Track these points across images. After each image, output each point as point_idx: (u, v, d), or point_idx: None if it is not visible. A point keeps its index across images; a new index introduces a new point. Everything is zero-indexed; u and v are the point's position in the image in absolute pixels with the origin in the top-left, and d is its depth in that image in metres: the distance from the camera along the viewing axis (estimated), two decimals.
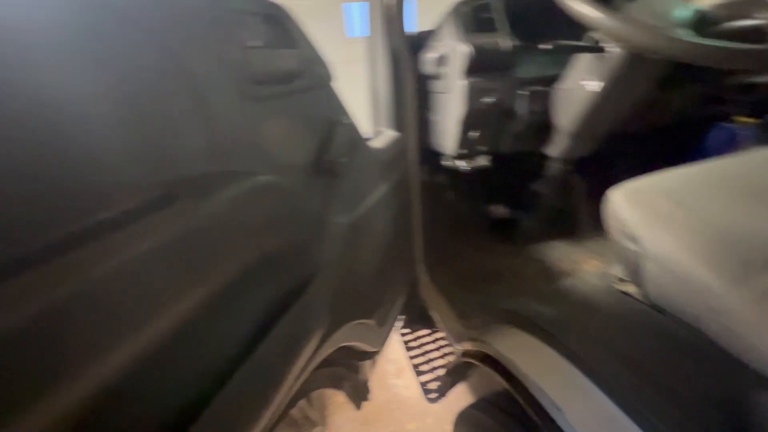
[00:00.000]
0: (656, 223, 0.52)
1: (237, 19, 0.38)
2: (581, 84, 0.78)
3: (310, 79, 0.50)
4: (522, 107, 0.87)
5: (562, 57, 0.81)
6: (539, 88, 0.87)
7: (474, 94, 0.83)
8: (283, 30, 0.45)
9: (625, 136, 1.05)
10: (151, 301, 0.26)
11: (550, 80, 0.86)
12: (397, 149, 0.90)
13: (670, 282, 0.50)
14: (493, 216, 1.26)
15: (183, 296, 0.28)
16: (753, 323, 0.41)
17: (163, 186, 0.29)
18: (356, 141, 0.65)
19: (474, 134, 0.90)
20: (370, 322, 0.80)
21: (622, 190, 0.60)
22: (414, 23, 3.50)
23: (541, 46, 0.71)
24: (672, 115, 1.04)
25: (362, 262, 0.75)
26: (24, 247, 0.21)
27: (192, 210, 0.29)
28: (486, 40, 0.81)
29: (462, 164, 0.95)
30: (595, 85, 0.75)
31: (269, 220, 0.41)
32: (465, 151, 0.93)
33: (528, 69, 0.86)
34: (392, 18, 0.82)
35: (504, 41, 0.81)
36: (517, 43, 0.82)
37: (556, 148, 0.94)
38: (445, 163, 1.01)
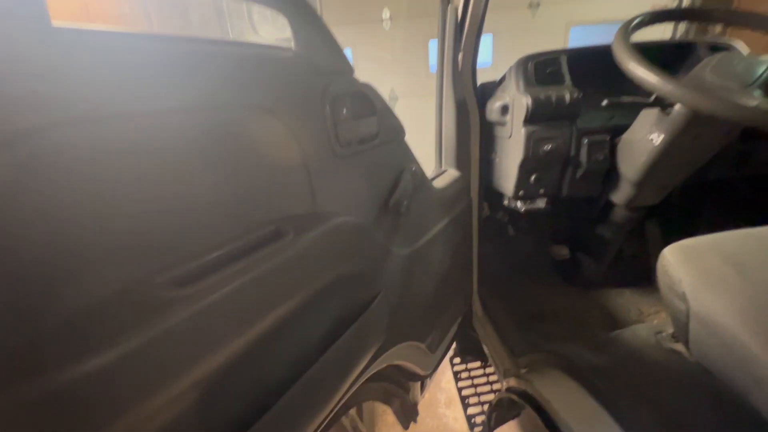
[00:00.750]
0: (706, 284, 0.53)
1: (336, 98, 0.51)
2: (646, 137, 0.80)
3: (385, 137, 0.62)
4: (583, 155, 0.90)
5: (625, 109, 0.83)
6: (601, 137, 0.89)
7: (534, 141, 0.89)
8: (369, 102, 0.58)
9: (709, 185, 1.01)
10: (252, 314, 0.37)
11: (613, 130, 0.89)
12: (459, 187, 0.99)
13: (716, 344, 0.50)
14: (553, 256, 1.26)
15: (274, 310, 0.39)
16: None
17: (275, 222, 0.42)
18: (421, 183, 0.75)
19: (533, 178, 0.95)
20: (422, 345, 0.87)
21: (677, 246, 0.61)
22: (489, 59, 3.59)
23: (603, 103, 0.75)
24: (762, 165, 0.98)
25: (419, 289, 0.84)
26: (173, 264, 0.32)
27: (292, 244, 0.41)
28: (547, 92, 0.87)
29: (521, 205, 1.00)
30: (659, 138, 0.77)
31: (344, 251, 0.53)
32: (524, 193, 0.98)
33: (591, 119, 0.89)
34: (462, 72, 0.92)
35: (564, 94, 0.86)
36: (579, 95, 0.86)
37: (620, 196, 0.94)
38: (505, 202, 1.06)
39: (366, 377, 0.64)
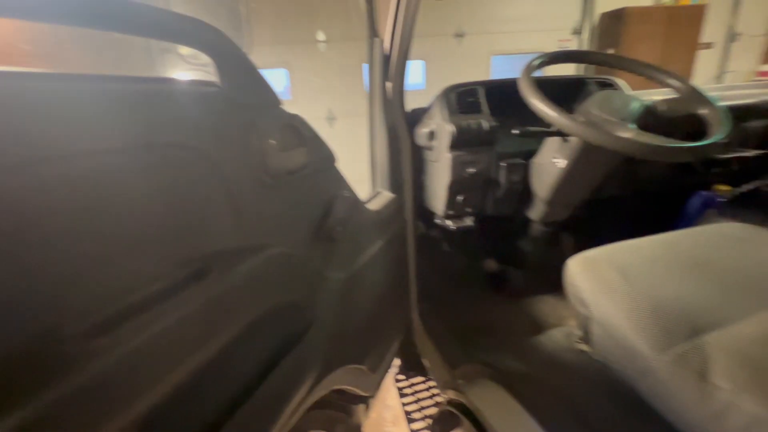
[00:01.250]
0: (602, 291, 0.62)
1: (263, 131, 0.51)
2: (551, 160, 0.91)
3: (316, 165, 0.63)
4: (502, 177, 0.99)
5: (534, 136, 0.94)
6: (517, 161, 0.99)
7: (459, 165, 0.96)
8: (297, 133, 0.59)
9: (608, 201, 1.16)
10: (174, 359, 0.36)
11: (526, 155, 0.99)
12: (394, 208, 1.03)
13: (612, 344, 0.58)
14: (485, 270, 1.35)
15: (203, 348, 0.38)
16: (669, 385, 0.49)
17: (201, 260, 0.41)
18: (354, 208, 0.77)
19: (460, 198, 1.02)
20: (363, 367, 0.88)
21: (578, 258, 0.70)
22: (423, 83, 3.80)
23: (513, 131, 0.84)
24: (650, 184, 1.16)
25: (358, 311, 0.85)
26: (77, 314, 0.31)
27: (217, 282, 0.40)
28: (468, 120, 0.95)
29: (450, 224, 1.06)
30: (562, 162, 0.88)
31: (274, 283, 0.52)
32: (452, 212, 1.05)
33: (507, 145, 0.99)
34: (392, 100, 0.98)
35: (484, 122, 0.95)
36: (495, 124, 0.96)
37: (535, 213, 1.05)
38: (437, 221, 1.12)
39: (306, 407, 0.63)
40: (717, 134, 0.70)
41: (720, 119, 0.72)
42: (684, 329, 0.52)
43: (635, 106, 0.80)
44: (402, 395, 1.36)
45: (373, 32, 0.95)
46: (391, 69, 0.95)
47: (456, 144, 0.95)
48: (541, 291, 1.30)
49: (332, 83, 3.42)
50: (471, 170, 0.97)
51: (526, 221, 1.12)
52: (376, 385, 1.01)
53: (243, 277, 0.44)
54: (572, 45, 3.94)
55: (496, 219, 1.12)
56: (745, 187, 0.99)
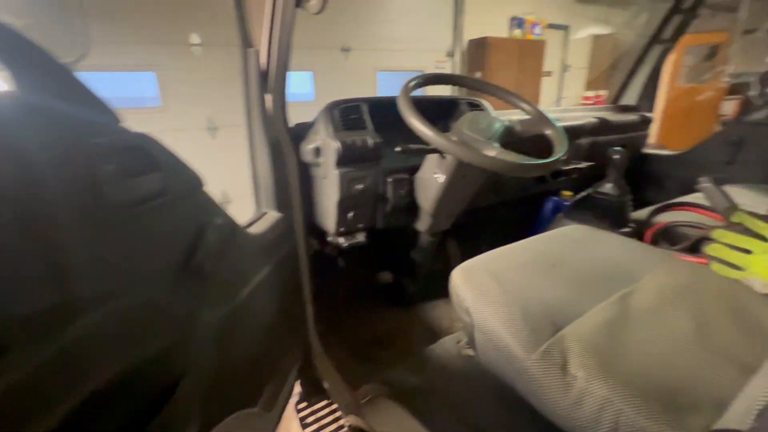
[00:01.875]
0: (481, 299, 0.66)
1: (94, 155, 0.41)
2: (432, 175, 0.96)
3: (176, 192, 0.54)
4: (389, 192, 1.02)
5: (416, 153, 0.98)
6: (402, 176, 1.03)
7: (346, 181, 0.95)
8: (148, 156, 0.49)
9: (483, 209, 1.29)
10: None
11: (411, 170, 1.04)
12: (282, 229, 0.96)
13: (492, 348, 0.63)
14: (380, 282, 1.36)
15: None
16: (539, 382, 0.54)
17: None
18: (231, 236, 0.68)
19: (350, 215, 1.01)
20: (255, 408, 0.79)
21: (460, 268, 0.74)
22: (312, 94, 3.75)
23: (396, 149, 0.86)
24: (514, 192, 1.32)
25: (243, 349, 0.76)
26: None
27: (24, 360, 0.30)
28: (353, 137, 0.95)
29: (342, 241, 1.04)
30: (441, 177, 0.93)
31: (122, 339, 0.42)
32: (344, 229, 1.03)
33: (393, 160, 1.02)
34: (273, 114, 0.91)
35: (369, 139, 0.96)
36: (380, 140, 0.97)
37: (422, 224, 1.10)
38: (329, 239, 1.09)
39: None
40: (558, 152, 0.82)
41: (560, 139, 0.86)
42: (547, 327, 0.59)
43: (498, 127, 0.90)
44: (304, 426, 1.27)
45: (246, 42, 0.88)
46: (270, 81, 0.89)
47: (342, 160, 0.94)
48: (433, 297, 1.37)
49: (213, 90, 3.13)
50: (359, 186, 0.97)
51: (416, 232, 1.17)
52: (274, 425, 0.92)
53: (67, 346, 0.34)
54: (447, 66, 4.37)
55: (388, 232, 1.14)
56: (581, 194, 1.21)
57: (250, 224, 0.89)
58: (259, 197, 0.98)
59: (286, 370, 1.02)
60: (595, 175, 1.34)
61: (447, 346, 0.96)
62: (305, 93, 3.72)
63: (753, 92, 1.90)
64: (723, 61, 4.57)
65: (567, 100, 5.62)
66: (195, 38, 3.00)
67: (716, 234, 0.73)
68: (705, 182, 0.79)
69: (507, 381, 0.60)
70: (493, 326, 0.62)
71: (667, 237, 0.94)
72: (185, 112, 3.09)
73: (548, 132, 0.92)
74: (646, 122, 1.81)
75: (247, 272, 0.78)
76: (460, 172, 0.91)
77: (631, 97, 1.97)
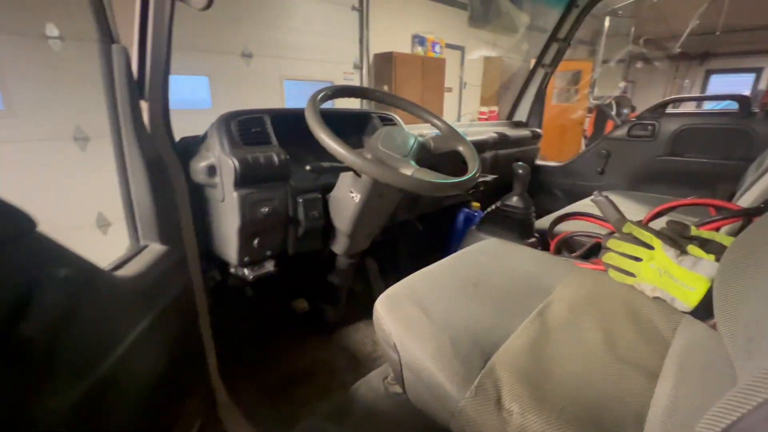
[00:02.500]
0: (407, 333, 0.60)
1: None
2: (348, 194, 0.89)
3: None
4: (301, 214, 0.91)
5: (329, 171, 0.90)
6: (314, 195, 0.93)
7: (249, 204, 0.82)
8: None
9: (401, 225, 1.25)
10: None
11: (323, 189, 0.95)
12: (170, 263, 0.79)
13: (422, 386, 0.57)
14: (296, 312, 1.24)
15: None
16: (475, 423, 0.50)
17: None
18: (85, 287, 0.52)
19: (256, 242, 0.88)
20: None
21: (383, 298, 0.68)
22: (209, 101, 3.41)
23: (307, 168, 0.77)
24: (429, 206, 1.32)
25: (121, 424, 0.59)
26: None
27: None
28: (255, 153, 0.83)
29: (248, 272, 0.91)
30: (357, 196, 0.87)
31: None
32: (249, 259, 0.89)
33: (302, 178, 0.92)
34: (153, 125, 0.75)
35: (274, 155, 0.85)
36: (287, 157, 0.87)
37: (339, 246, 1.02)
38: (231, 270, 0.94)
39: None
40: (472, 169, 0.82)
41: (472, 156, 0.86)
42: (477, 358, 0.56)
43: (412, 143, 0.86)
44: None
45: (109, 36, 0.71)
46: (146, 85, 0.73)
47: (243, 181, 0.81)
48: (354, 320, 1.29)
49: (79, 93, 2.62)
50: (264, 209, 0.85)
51: (332, 255, 1.08)
52: None
53: None
54: (355, 78, 4.40)
55: (301, 256, 1.03)
56: (491, 208, 1.26)
57: (122, 264, 0.71)
58: (136, 228, 0.79)
59: (184, 430, 0.84)
60: (498, 186, 1.41)
61: (373, 383, 0.89)
62: (201, 99, 3.36)
63: (612, 111, 2.27)
64: (585, 85, 5.47)
65: (466, 116, 6.12)
66: (52, 29, 2.48)
67: (610, 243, 0.80)
68: (598, 196, 0.87)
69: (440, 422, 0.55)
70: (422, 363, 0.56)
71: (568, 246, 1.02)
72: (42, 118, 2.53)
73: (460, 148, 0.92)
74: (536, 137, 2.01)
75: (118, 328, 0.60)
76: (377, 190, 0.86)
77: (520, 114, 2.17)
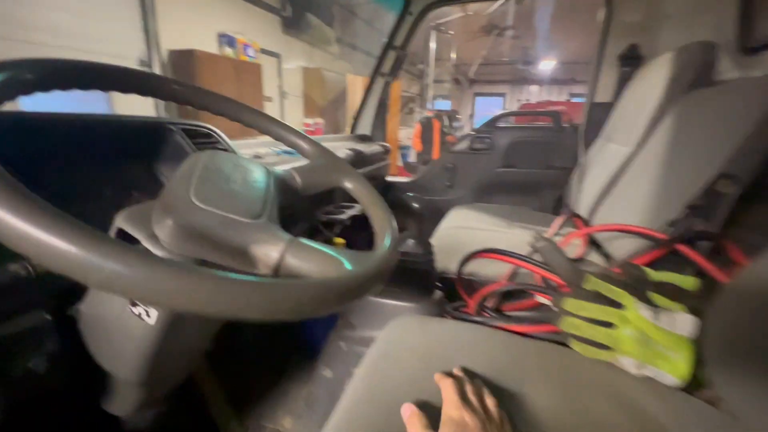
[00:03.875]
0: None
1: None
2: (128, 311, 0.38)
3: None
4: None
5: None
6: (42, 317, 0.39)
7: None
8: None
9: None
10: None
11: (63, 297, 0.41)
12: None
13: None
14: None
15: None
16: None
17: None
18: None
19: None
20: None
21: None
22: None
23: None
24: None
25: None
26: None
27: None
28: None
29: None
30: (152, 315, 0.38)
31: None
32: None
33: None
34: None
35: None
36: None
37: (119, 403, 0.48)
38: None
39: None
40: (384, 234, 0.44)
41: (382, 213, 0.48)
42: None
43: (264, 185, 0.43)
44: None
45: None
46: None
47: None
48: None
49: None
50: None
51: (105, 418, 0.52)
52: None
53: None
54: None
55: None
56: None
57: None
58: None
59: None
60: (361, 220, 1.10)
61: None
62: None
63: (445, 124, 2.33)
64: (396, 100, 5.93)
65: (290, 124, 5.71)
66: None
67: (569, 305, 0.58)
68: (539, 241, 0.65)
69: None
70: None
71: (496, 302, 0.78)
72: None
73: (348, 186, 0.55)
74: (387, 152, 1.82)
75: None
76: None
77: (363, 127, 1.96)
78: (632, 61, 1.45)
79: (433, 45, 6.39)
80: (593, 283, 0.58)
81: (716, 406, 0.51)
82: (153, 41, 3.37)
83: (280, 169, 0.49)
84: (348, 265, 0.33)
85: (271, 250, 0.33)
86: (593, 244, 1.05)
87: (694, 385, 0.53)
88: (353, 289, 0.31)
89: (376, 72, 1.84)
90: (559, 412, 0.47)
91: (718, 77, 1.05)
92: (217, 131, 0.72)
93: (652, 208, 0.82)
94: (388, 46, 1.78)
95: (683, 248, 0.67)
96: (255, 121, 0.54)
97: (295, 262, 0.33)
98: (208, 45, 3.96)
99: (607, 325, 0.56)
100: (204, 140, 0.67)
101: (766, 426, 0.40)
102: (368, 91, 1.88)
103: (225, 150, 0.70)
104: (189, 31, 3.72)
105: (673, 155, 0.87)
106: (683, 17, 1.30)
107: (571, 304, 0.58)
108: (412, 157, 4.92)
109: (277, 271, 0.34)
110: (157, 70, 3.42)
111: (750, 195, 0.69)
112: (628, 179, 1.06)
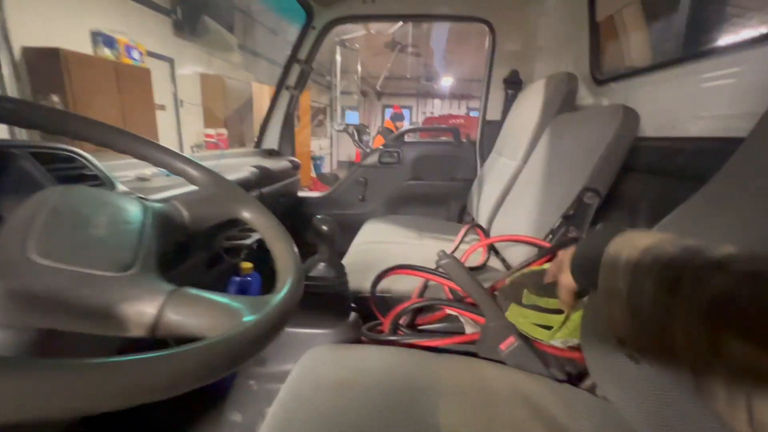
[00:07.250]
0: None
1: None
2: None
3: None
4: None
5: None
6: None
7: None
8: None
9: None
10: None
11: None
12: None
13: None
14: None
15: None
16: None
17: None
18: None
19: None
20: None
21: None
22: None
23: None
24: None
25: None
26: None
27: None
28: None
29: None
30: None
31: None
32: None
33: None
34: None
35: None
36: None
37: None
38: None
39: None
40: (285, 279, 0.39)
41: (286, 249, 0.44)
42: None
43: (139, 224, 0.37)
44: None
45: None
46: None
47: None
48: None
49: None
50: None
51: None
52: None
53: None
54: None
55: None
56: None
57: None
58: None
59: None
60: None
61: None
62: None
63: (355, 138, 2.36)
64: (306, 111, 5.86)
65: (188, 136, 5.22)
66: None
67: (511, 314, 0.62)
68: (443, 258, 0.67)
69: None
70: None
71: (410, 319, 0.78)
72: None
73: (247, 216, 0.50)
74: (296, 167, 1.77)
75: None
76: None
77: (270, 141, 1.88)
78: (514, 85, 1.65)
79: (338, 58, 6.49)
80: (528, 299, 0.62)
81: (594, 393, 0.59)
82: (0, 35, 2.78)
83: (159, 203, 0.43)
84: (247, 315, 0.30)
85: (145, 306, 0.28)
86: (493, 251, 1.16)
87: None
88: (253, 342, 0.28)
89: (281, 84, 1.78)
90: (477, 422, 0.49)
91: (579, 103, 1.24)
92: (84, 154, 0.61)
93: (538, 218, 0.93)
94: (292, 59, 1.74)
95: None
96: (128, 145, 0.47)
97: (176, 318, 0.29)
98: (79, 44, 3.40)
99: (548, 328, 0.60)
100: (64, 166, 0.56)
101: (628, 405, 0.46)
102: (273, 103, 1.81)
103: (95, 178, 0.59)
104: (52, 25, 3.16)
105: (551, 170, 1.00)
106: (551, 50, 1.52)
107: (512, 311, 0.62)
108: (326, 168, 4.89)
109: (154, 330, 0.29)
110: (6, 70, 2.83)
111: (607, 203, 0.83)
112: (518, 191, 1.19)
